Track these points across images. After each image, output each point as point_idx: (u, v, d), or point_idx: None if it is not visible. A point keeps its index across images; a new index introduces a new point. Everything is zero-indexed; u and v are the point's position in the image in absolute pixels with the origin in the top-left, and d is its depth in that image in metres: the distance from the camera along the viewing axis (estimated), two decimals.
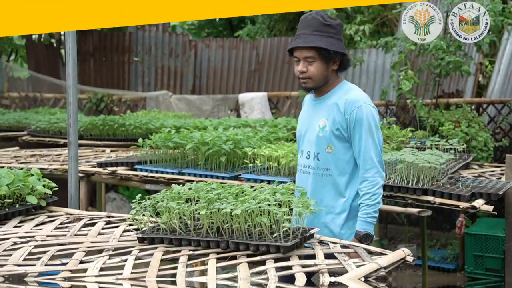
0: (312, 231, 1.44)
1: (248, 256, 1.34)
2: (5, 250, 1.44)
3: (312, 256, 1.36)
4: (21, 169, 1.90)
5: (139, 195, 1.57)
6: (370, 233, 1.58)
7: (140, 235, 1.47)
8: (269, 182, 2.14)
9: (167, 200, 1.48)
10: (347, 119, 1.61)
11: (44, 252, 1.42)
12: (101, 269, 1.29)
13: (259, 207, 1.35)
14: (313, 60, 1.61)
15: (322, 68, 1.63)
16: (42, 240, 1.52)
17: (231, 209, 1.35)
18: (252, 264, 1.30)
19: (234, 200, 1.41)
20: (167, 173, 2.50)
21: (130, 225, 1.62)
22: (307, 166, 1.67)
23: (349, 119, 1.61)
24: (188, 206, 1.44)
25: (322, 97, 1.68)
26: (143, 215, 1.52)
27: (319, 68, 1.62)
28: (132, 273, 1.27)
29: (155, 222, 1.54)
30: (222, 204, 1.39)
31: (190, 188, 1.53)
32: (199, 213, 1.41)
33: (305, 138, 1.69)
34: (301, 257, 1.34)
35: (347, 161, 1.63)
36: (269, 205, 1.35)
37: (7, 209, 1.73)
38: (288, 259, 1.31)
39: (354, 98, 1.63)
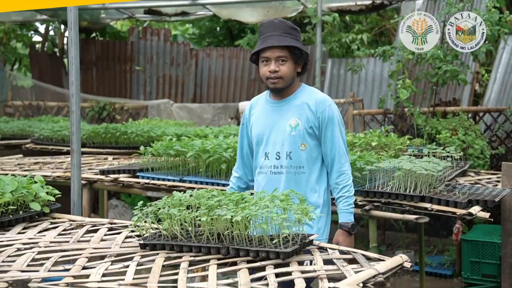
0: (311, 238, 1.47)
1: (248, 262, 1.36)
2: (9, 256, 1.46)
3: (311, 262, 1.37)
4: (25, 176, 1.92)
5: (141, 202, 1.58)
6: (354, 222, 1.68)
7: (142, 242, 1.49)
8: None
9: (169, 207, 1.50)
10: (319, 117, 1.68)
11: (47, 258, 1.43)
12: (103, 275, 1.31)
13: (259, 213, 1.37)
14: (285, 60, 1.65)
15: (292, 69, 1.68)
16: (45, 247, 1.54)
17: (232, 216, 1.38)
18: (252, 270, 1.32)
19: (234, 207, 1.43)
20: (169, 180, 2.53)
21: (132, 231, 1.65)
22: (279, 167, 1.68)
23: (321, 117, 1.68)
24: (189, 213, 1.47)
25: (286, 99, 1.71)
26: (145, 221, 1.54)
27: (290, 68, 1.67)
28: (134, 279, 1.28)
29: (156, 228, 1.56)
30: (223, 210, 1.41)
31: (191, 195, 1.55)
32: (200, 220, 1.43)
33: (269, 140, 1.70)
34: (300, 263, 1.35)
35: (316, 158, 1.70)
36: (268, 211, 1.38)
37: (11, 216, 1.75)
38: (287, 265, 1.33)
39: (322, 97, 1.71)
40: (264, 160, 1.72)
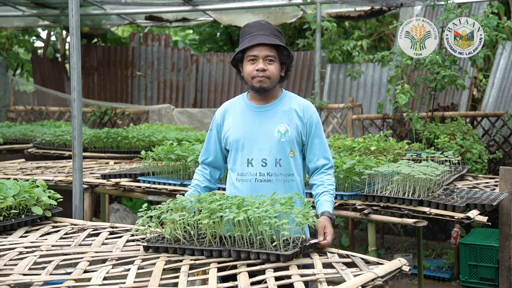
0: (312, 241, 1.48)
1: (249, 265, 1.37)
2: (11, 259, 1.48)
3: (311, 266, 1.39)
4: (27, 180, 1.94)
5: (145, 204, 1.60)
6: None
7: (145, 244, 1.50)
8: None
9: (172, 210, 1.51)
10: (306, 123, 1.66)
11: (49, 262, 1.45)
12: (105, 278, 1.32)
13: (260, 217, 1.37)
14: (273, 60, 1.61)
15: (279, 70, 1.64)
16: (47, 250, 1.56)
17: (234, 216, 1.37)
18: (252, 273, 1.33)
19: (236, 209, 1.42)
20: (169, 184, 2.54)
21: (136, 235, 1.66)
22: (266, 174, 1.61)
23: (308, 123, 1.66)
24: (191, 216, 1.47)
25: (270, 103, 1.67)
26: (148, 225, 1.54)
27: (277, 69, 1.63)
28: (134, 282, 1.30)
29: (159, 231, 1.58)
30: (225, 212, 1.40)
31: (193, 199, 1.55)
32: (201, 223, 1.44)
33: (253, 146, 1.63)
34: (299, 267, 1.37)
35: (302, 164, 1.69)
36: (269, 216, 1.37)
37: (13, 220, 1.77)
38: (287, 268, 1.34)
39: (306, 103, 1.70)
40: (246, 167, 1.63)
